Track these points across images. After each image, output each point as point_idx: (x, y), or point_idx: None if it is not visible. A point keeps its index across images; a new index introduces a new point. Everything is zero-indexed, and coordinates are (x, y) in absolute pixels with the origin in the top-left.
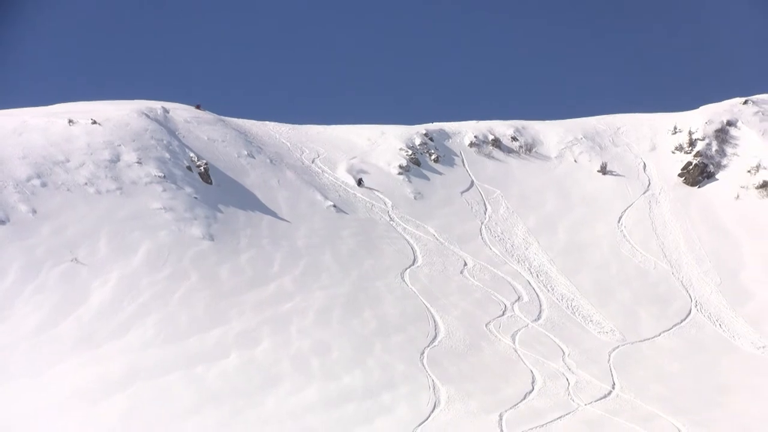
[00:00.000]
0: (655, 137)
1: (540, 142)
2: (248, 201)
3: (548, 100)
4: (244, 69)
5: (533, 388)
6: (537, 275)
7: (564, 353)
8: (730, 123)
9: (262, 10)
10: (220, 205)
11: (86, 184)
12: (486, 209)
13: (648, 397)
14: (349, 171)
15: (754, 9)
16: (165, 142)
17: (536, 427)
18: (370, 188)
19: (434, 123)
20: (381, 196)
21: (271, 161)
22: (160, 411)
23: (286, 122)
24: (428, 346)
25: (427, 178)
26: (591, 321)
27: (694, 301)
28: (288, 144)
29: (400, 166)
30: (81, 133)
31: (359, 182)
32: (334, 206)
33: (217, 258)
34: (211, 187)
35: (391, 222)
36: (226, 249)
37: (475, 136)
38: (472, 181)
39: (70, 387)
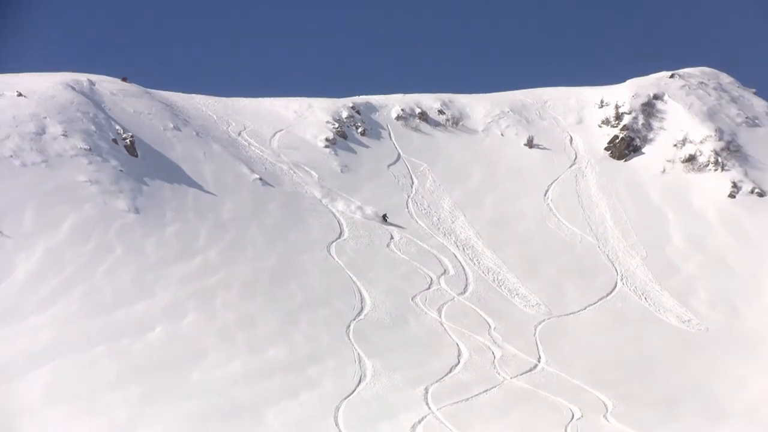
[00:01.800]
0: (582, 111)
1: (467, 116)
2: (174, 174)
3: (475, 74)
4: (170, 41)
5: (459, 362)
6: (463, 249)
7: (490, 327)
8: (656, 97)
9: None
10: (146, 178)
11: (11, 156)
12: (413, 182)
13: (573, 370)
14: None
15: None
16: (91, 114)
17: (462, 401)
18: (397, 225)
19: (361, 96)
20: (307, 169)
21: (197, 134)
22: (85, 384)
23: (212, 95)
24: (354, 319)
25: (354, 152)
26: (517, 294)
27: (619, 275)
28: (214, 117)
29: (327, 139)
30: (6, 105)
31: (384, 217)
32: (261, 179)
33: (142, 231)
34: (137, 160)
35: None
36: (152, 222)
37: (402, 110)
38: (399, 155)
39: None
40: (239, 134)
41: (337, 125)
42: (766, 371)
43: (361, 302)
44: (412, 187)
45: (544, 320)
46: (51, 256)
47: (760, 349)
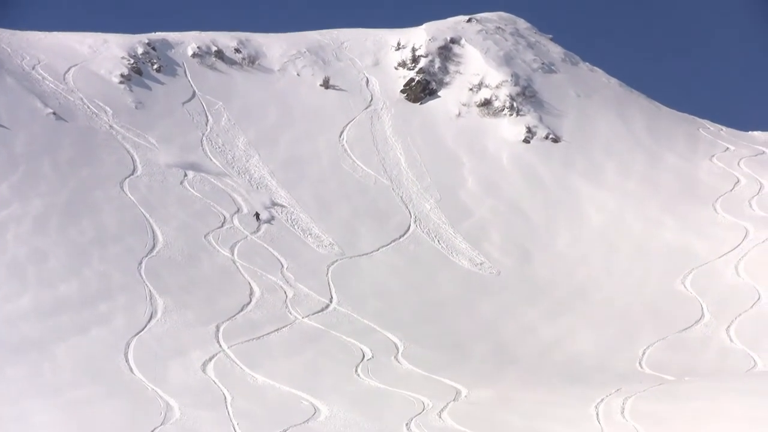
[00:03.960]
0: (379, 53)
1: (263, 55)
2: None
3: (271, 13)
4: None
5: (251, 300)
6: (257, 187)
7: (282, 266)
8: (453, 41)
9: None
10: None
11: None
12: (207, 120)
13: (365, 311)
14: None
15: None
16: None
17: (253, 339)
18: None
19: (157, 33)
20: (102, 104)
21: None
22: None
23: (5, 27)
24: (146, 256)
25: (149, 88)
26: (310, 234)
27: (413, 217)
28: (8, 50)
29: (122, 75)
30: None
31: (257, 216)
32: (54, 114)
33: None
34: None
35: (112, 131)
36: None
37: (198, 47)
38: (194, 92)
39: None
40: (33, 68)
41: (132, 61)
42: (556, 317)
43: (154, 239)
44: (206, 125)
45: (336, 261)
46: None
47: (551, 294)
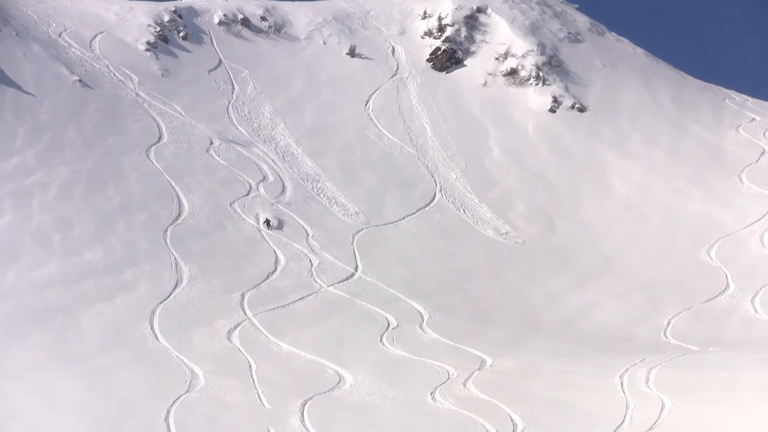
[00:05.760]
0: (405, 21)
1: (289, 23)
2: None
3: None
4: None
5: (276, 269)
6: (283, 156)
7: (308, 234)
8: (480, 10)
9: None
10: None
11: None
12: (233, 88)
13: (390, 280)
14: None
15: None
16: None
17: (278, 308)
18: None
19: (183, 0)
20: (128, 72)
21: (17, 34)
22: None
23: None
24: (171, 224)
25: (175, 56)
26: (336, 203)
27: (438, 186)
28: (35, 17)
29: (148, 43)
30: None
31: (267, 223)
32: (80, 81)
33: None
34: None
35: (138, 98)
36: None
37: (225, 15)
38: (220, 60)
39: None
40: (59, 35)
41: (158, 29)
42: (581, 286)
43: (179, 207)
44: (232, 93)
45: (362, 229)
46: None
47: (576, 264)
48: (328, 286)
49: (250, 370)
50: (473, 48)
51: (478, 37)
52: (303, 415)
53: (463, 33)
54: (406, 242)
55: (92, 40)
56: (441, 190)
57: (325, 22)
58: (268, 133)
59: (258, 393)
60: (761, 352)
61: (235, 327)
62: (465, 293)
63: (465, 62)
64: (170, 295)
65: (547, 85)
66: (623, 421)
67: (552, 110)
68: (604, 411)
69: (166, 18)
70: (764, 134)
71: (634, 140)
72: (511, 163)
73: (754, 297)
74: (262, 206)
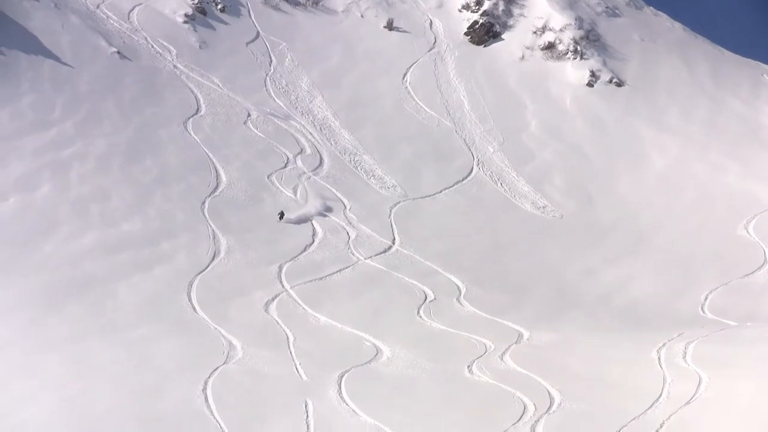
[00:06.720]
0: None
1: None
2: (30, 44)
3: None
4: None
5: (314, 241)
6: (320, 128)
7: (345, 207)
8: None
9: None
10: (2, 48)
11: None
12: (271, 61)
13: (428, 253)
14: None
15: None
16: None
17: (315, 280)
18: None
19: None
20: (166, 44)
21: (55, 5)
22: None
23: None
24: (209, 195)
25: (213, 28)
26: (373, 176)
27: (476, 160)
28: None
29: (186, 15)
30: None
31: (281, 215)
32: (118, 53)
33: None
34: None
35: (176, 70)
36: (7, 92)
37: None
38: (258, 32)
39: None
40: (98, 7)
41: (196, 1)
42: (618, 261)
43: (217, 179)
44: (270, 66)
45: (399, 202)
46: None
47: (613, 238)
48: (365, 259)
49: (288, 342)
50: (511, 22)
51: (515, 10)
52: (340, 387)
53: (501, 7)
54: (443, 215)
55: (130, 11)
56: (478, 164)
57: None
58: (306, 105)
59: (295, 365)
60: None
61: (273, 299)
62: (502, 267)
63: (502, 36)
64: (208, 266)
65: (585, 59)
66: (660, 396)
67: (590, 84)
68: (641, 385)
69: None
70: None
71: (671, 115)
72: (548, 137)
73: None
74: (298, 181)
